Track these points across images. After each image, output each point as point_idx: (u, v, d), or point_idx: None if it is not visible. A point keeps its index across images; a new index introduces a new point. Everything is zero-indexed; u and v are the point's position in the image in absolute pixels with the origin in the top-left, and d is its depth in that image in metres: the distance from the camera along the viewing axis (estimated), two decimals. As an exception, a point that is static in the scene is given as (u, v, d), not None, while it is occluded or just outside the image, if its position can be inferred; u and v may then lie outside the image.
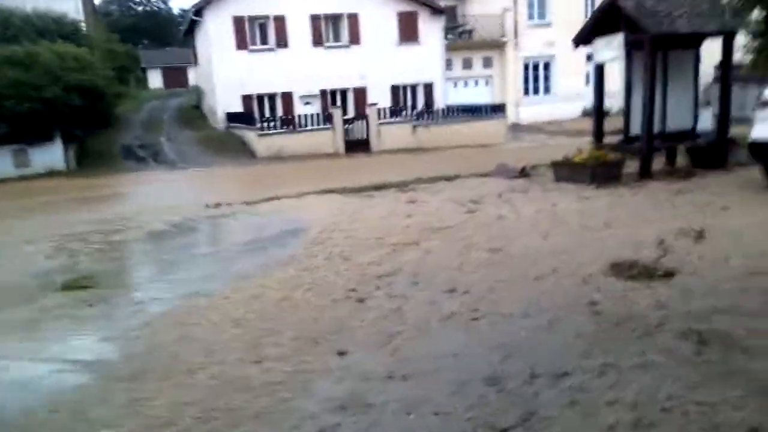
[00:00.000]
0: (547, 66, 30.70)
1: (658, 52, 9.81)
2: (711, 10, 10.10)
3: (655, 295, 4.43)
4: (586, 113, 26.64)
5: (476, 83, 30.97)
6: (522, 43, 29.57)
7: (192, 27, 28.29)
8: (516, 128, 27.81)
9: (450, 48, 29.00)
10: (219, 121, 24.75)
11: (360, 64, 25.70)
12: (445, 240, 6.52)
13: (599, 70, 10.74)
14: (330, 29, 26.24)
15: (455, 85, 30.08)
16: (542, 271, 5.17)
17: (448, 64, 29.32)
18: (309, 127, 21.99)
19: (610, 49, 9.94)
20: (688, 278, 4.76)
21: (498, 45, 30.18)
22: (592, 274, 5.01)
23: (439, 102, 26.69)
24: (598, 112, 11.02)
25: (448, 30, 30.01)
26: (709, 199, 7.84)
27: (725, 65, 10.59)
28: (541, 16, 29.61)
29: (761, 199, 7.63)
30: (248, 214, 9.42)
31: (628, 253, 5.52)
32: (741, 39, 13.96)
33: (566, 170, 10.04)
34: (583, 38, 10.69)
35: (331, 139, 21.79)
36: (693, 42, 10.37)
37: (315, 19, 25.68)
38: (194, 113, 29.20)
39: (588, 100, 23.79)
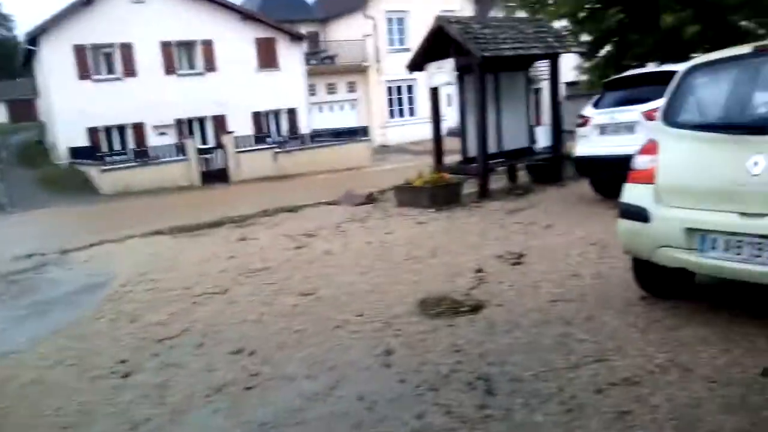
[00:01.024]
0: (410, 89, 31.27)
1: (487, 74, 9.88)
2: (536, 34, 10.39)
3: (454, 336, 4.08)
4: (450, 132, 27.38)
5: (341, 107, 30.94)
6: (384, 67, 29.96)
7: (29, 57, 26.01)
8: (383, 150, 27.98)
9: (313, 73, 28.75)
10: (61, 156, 22.76)
11: (217, 92, 24.73)
12: (257, 285, 5.91)
13: (434, 94, 10.69)
14: (183, 56, 25.10)
15: (320, 109, 29.85)
16: (346, 316, 4.70)
17: (312, 89, 29.04)
18: (164, 159, 20.68)
19: (443, 73, 9.90)
20: (494, 311, 4.48)
21: (361, 69, 30.37)
22: (399, 314, 4.60)
23: (304, 127, 26.26)
24: (435, 135, 10.94)
25: (310, 55, 29.80)
26: (538, 216, 7.85)
27: (553, 84, 10.92)
28: (401, 42, 30.18)
29: (587, 213, 7.72)
30: (57, 265, 8.28)
31: (443, 285, 5.20)
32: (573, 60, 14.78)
33: (407, 194, 9.83)
34: (417, 64, 10.61)
35: (185, 170, 20.61)
36: (521, 64, 10.59)
37: (166, 46, 24.46)
38: (37, 149, 26.77)
39: (450, 119, 24.42)
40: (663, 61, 10.52)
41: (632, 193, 4.03)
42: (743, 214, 3.39)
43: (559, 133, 10.91)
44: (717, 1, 10.85)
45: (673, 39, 11.11)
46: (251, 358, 4.08)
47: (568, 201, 8.77)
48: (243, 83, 25.24)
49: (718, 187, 3.53)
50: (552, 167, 10.64)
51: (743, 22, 11.61)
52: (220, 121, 25.15)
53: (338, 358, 3.93)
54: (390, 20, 30.49)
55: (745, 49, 3.77)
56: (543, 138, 12.46)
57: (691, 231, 3.61)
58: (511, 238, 6.76)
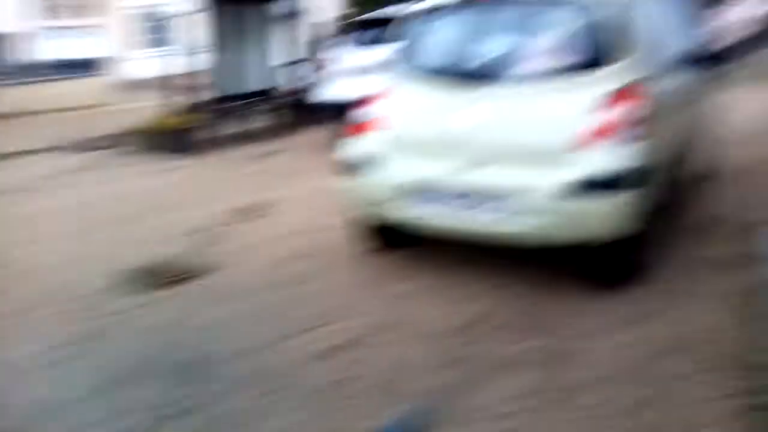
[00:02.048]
0: (164, 18, 28.39)
1: (236, 5, 9.05)
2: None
3: (167, 310, 3.59)
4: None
5: (82, 35, 27.06)
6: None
7: None
8: (131, 85, 25.23)
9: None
10: None
11: None
12: None
13: (174, 23, 9.58)
14: None
15: (61, 35, 25.73)
16: (31, 297, 3.88)
17: (55, 12, 24.80)
18: None
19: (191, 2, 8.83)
20: (220, 276, 4.06)
21: (100, -10, 26.67)
22: (107, 287, 3.94)
23: (25, 56, 22.44)
24: (181, 71, 9.89)
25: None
26: (284, 163, 7.57)
27: (303, 20, 10.49)
28: (146, -39, 26.96)
29: (327, 158, 7.57)
30: None
31: (170, 247, 4.60)
32: None
33: (146, 139, 8.81)
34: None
35: None
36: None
37: None
38: None
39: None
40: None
41: (359, 145, 3.84)
42: (461, 165, 3.36)
43: (308, 73, 10.58)
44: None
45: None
46: None
47: (314, 146, 8.56)
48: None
49: (443, 137, 3.47)
50: (301, 109, 10.34)
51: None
52: None
53: (12, 353, 3.19)
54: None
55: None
56: (298, 77, 12.07)
57: (413, 184, 3.51)
58: (252, 188, 6.34)
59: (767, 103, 10.02)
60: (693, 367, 2.70)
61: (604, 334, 3.03)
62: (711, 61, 4.41)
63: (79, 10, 26.43)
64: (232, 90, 9.24)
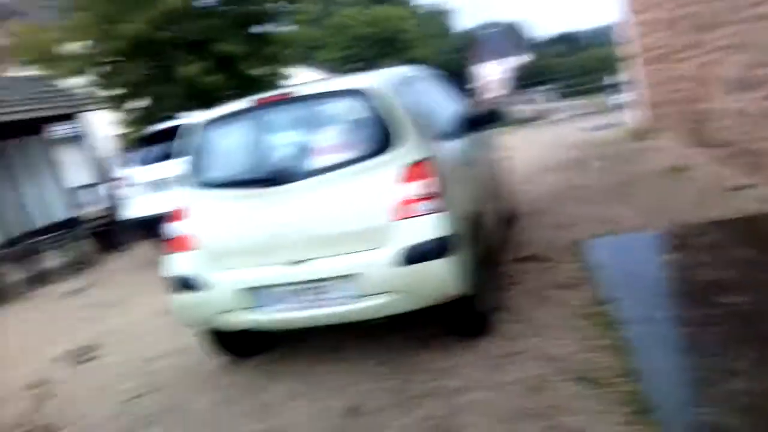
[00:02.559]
0: None
1: None
2: (49, 93, 9.27)
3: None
4: None
5: None
6: None
7: None
8: None
9: None
10: None
11: None
12: None
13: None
14: None
15: None
16: None
17: None
18: None
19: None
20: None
21: None
22: None
23: None
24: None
25: None
26: (104, 293, 6.97)
27: (85, 144, 9.96)
28: None
29: (156, 278, 7.06)
30: None
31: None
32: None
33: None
34: None
35: None
36: (39, 127, 9.31)
37: None
38: None
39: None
40: (201, 109, 10.61)
41: (177, 263, 3.72)
42: (287, 263, 3.42)
43: (107, 193, 10.00)
44: (225, 53, 11.48)
45: (198, 88, 11.37)
46: None
47: (134, 267, 8.04)
48: None
49: (259, 241, 3.49)
50: (108, 233, 9.67)
51: (255, 71, 12.54)
52: None
53: None
54: None
55: (248, 102, 3.80)
56: (95, 200, 11.30)
57: (246, 290, 3.50)
58: (76, 328, 5.73)
59: (530, 144, 11.61)
60: (578, 387, 2.91)
61: (487, 379, 3.18)
62: (481, 120, 4.97)
63: None
64: (22, 228, 8.36)
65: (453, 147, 4.15)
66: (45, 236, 8.99)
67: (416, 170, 3.36)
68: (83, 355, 4.92)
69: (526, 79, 40.78)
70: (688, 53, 7.01)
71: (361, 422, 3.07)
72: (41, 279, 8.36)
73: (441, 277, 3.31)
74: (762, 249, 4.04)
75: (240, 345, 4.05)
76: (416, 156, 3.40)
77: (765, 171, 5.30)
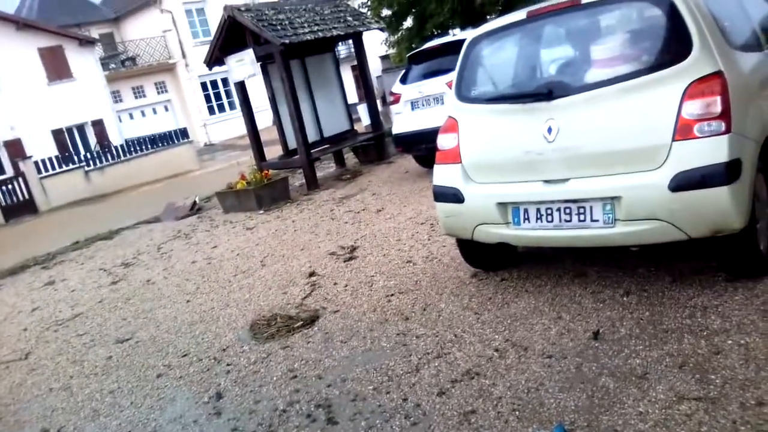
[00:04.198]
0: (226, 82, 29.89)
1: (292, 61, 9.49)
2: (334, 15, 10.15)
3: (289, 359, 3.72)
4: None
5: (155, 111, 28.87)
6: (193, 62, 28.23)
7: None
8: (210, 149, 26.63)
9: (115, 78, 26.44)
10: None
11: (4, 114, 21.81)
12: (65, 340, 5.11)
13: (241, 87, 10.09)
14: (-49, 79, 21.75)
15: (131, 116, 27.61)
16: (169, 360, 4.15)
17: (117, 96, 26.72)
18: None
19: (245, 66, 9.33)
20: (330, 320, 4.18)
21: (168, 68, 28.48)
22: (229, 345, 4.15)
23: (115, 138, 24.10)
24: (251, 130, 10.36)
25: (109, 59, 27.34)
26: (367, 201, 7.71)
27: (360, 63, 10.80)
28: (206, 33, 28.56)
29: (415, 190, 7.68)
30: None
31: (276, 299, 4.82)
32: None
33: (232, 199, 9.23)
34: (215, 58, 9.92)
35: (-22, 210, 18.00)
36: (325, 47, 10.33)
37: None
38: None
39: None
40: (463, 28, 10.81)
41: (442, 174, 3.89)
42: (547, 181, 3.38)
43: (376, 111, 10.85)
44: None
45: (467, 5, 11.46)
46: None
47: (395, 180, 8.72)
48: (34, 100, 22.51)
49: (520, 158, 3.48)
50: (376, 146, 10.58)
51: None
52: (15, 147, 22.26)
53: (161, 417, 3.40)
54: (189, 12, 28.76)
55: (519, 15, 3.72)
56: (365, 117, 12.39)
57: (503, 205, 3.55)
58: (342, 230, 6.52)
59: None
60: None
61: (757, 324, 2.87)
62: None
63: (149, 89, 28.26)
64: (306, 138, 9.55)
65: (752, 60, 3.57)
66: (324, 146, 10.19)
67: (704, 86, 2.99)
68: (348, 253, 5.58)
69: None
70: None
71: (605, 348, 3.00)
72: (318, 184, 9.56)
73: (717, 208, 2.96)
74: None
75: (489, 258, 4.19)
76: (707, 69, 3.02)
77: None
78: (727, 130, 2.96)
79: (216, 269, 6.19)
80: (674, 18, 3.14)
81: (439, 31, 12.44)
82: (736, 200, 2.96)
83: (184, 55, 28.44)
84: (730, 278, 3.30)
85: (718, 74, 3.02)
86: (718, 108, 2.97)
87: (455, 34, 8.52)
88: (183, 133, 22.39)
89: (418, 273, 4.66)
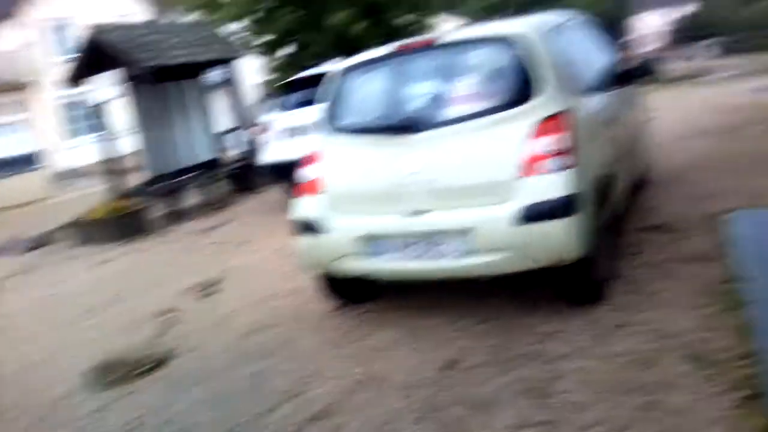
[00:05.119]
0: (90, 106, 28.05)
1: (159, 85, 9.09)
2: (208, 39, 9.89)
3: (134, 405, 3.43)
4: (142, 148, 25.24)
5: (5, 132, 26.38)
6: (54, 81, 26.15)
7: None
8: (68, 174, 24.71)
9: (-43, 96, 23.92)
10: None
11: None
12: None
13: (103, 111, 9.49)
14: None
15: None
16: (3, 404, 3.69)
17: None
18: None
19: (107, 87, 8.81)
20: (184, 360, 3.92)
21: (22, 86, 26.24)
22: (66, 394, 3.75)
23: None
24: (113, 157, 9.75)
25: (-49, 75, 24.74)
26: (233, 232, 7.47)
27: (233, 89, 10.58)
28: (69, 51, 26.59)
29: (283, 221, 7.46)
30: None
31: (126, 339, 4.45)
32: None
33: (87, 230, 8.55)
34: (76, 78, 9.28)
35: None
36: (195, 71, 10.02)
37: None
38: None
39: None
40: (343, 58, 10.87)
41: (303, 206, 3.85)
42: (408, 213, 3.43)
43: (248, 139, 10.63)
44: (375, 1, 11.58)
45: (344, 37, 11.60)
46: None
47: (264, 210, 8.52)
48: None
49: (382, 190, 3.53)
50: (246, 176, 10.32)
51: (399, 20, 12.58)
52: None
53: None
54: (53, 28, 26.84)
55: (388, 48, 3.81)
56: (237, 144, 12.08)
57: (364, 237, 3.56)
58: (205, 263, 6.22)
59: (682, 105, 10.59)
60: (690, 366, 2.72)
61: (593, 348, 3.05)
62: (628, 75, 4.65)
63: (3, 108, 25.92)
64: (171, 167, 9.14)
65: (594, 102, 3.92)
66: (188, 175, 9.78)
67: (550, 124, 3.22)
68: (208, 288, 5.32)
69: (687, 32, 37.11)
70: None
71: (458, 377, 3.06)
72: (180, 215, 9.12)
73: (560, 239, 3.16)
74: None
75: (350, 291, 4.16)
76: (552, 109, 3.26)
77: None
78: (570, 166, 3.17)
79: (60, 308, 5.66)
80: (525, 61, 3.37)
81: (319, 60, 12.47)
82: (576, 231, 3.17)
83: (43, 74, 26.39)
84: (572, 305, 3.50)
85: (562, 114, 3.25)
86: (562, 145, 3.18)
87: (323, 65, 8.57)
88: (36, 157, 20.56)
89: (281, 307, 4.53)
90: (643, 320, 3.22)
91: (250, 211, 8.68)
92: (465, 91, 3.51)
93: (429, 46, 3.74)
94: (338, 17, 11.02)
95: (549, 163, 3.17)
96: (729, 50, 26.62)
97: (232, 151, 11.67)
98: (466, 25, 12.78)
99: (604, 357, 2.95)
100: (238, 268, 5.77)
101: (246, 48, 11.88)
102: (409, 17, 12.49)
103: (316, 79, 7.83)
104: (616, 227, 4.04)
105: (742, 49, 25.28)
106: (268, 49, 13.16)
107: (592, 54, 4.57)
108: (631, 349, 2.97)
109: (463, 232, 3.29)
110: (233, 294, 5.07)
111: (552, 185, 3.16)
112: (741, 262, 3.54)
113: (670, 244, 4.18)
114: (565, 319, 3.38)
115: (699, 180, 5.61)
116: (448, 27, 12.44)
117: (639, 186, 5.27)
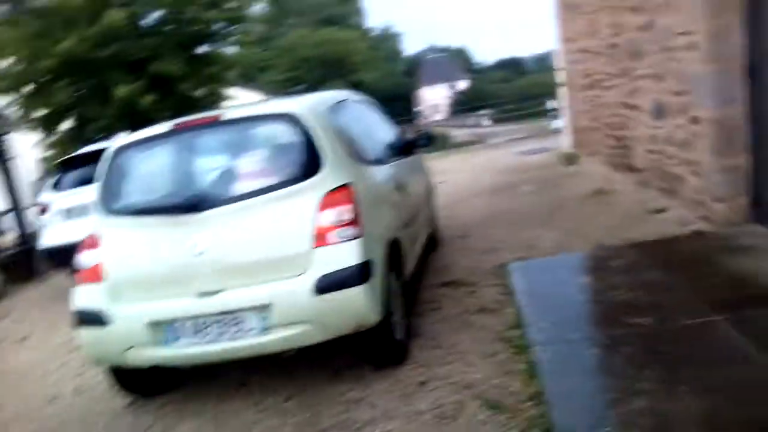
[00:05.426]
0: None
1: None
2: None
3: None
4: None
5: None
6: None
7: None
8: None
9: None
10: None
11: None
12: None
13: None
14: None
15: None
16: None
17: None
18: None
19: None
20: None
21: None
22: None
23: None
24: None
25: None
26: (9, 328, 6.49)
27: (5, 167, 9.47)
28: None
29: (68, 310, 6.71)
30: None
31: None
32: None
33: None
34: None
35: None
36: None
37: None
38: None
39: None
40: (131, 132, 10.25)
41: (83, 296, 3.51)
42: (199, 295, 3.26)
43: (25, 220, 9.49)
44: (164, 73, 11.24)
45: (133, 109, 11.04)
46: None
47: (47, 300, 7.55)
48: None
49: (169, 272, 3.33)
50: (25, 262, 9.15)
51: (194, 92, 12.34)
52: None
53: None
54: None
55: (166, 126, 3.67)
56: (12, 227, 10.70)
57: (154, 324, 3.30)
58: None
59: (465, 167, 11.72)
60: (490, 413, 2.86)
61: (400, 409, 3.09)
62: (411, 144, 5.03)
63: None
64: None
65: (378, 172, 4.10)
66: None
67: (335, 197, 3.28)
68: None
69: (465, 104, 41.71)
70: (614, 81, 7.21)
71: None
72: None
73: (356, 306, 3.20)
74: (673, 270, 4.12)
75: (146, 383, 3.79)
76: (336, 182, 3.33)
77: (681, 194, 5.45)
78: (358, 235, 3.26)
79: None
80: (307, 136, 3.42)
81: (107, 134, 11.64)
82: (371, 297, 3.24)
83: None
84: (376, 368, 3.54)
85: (347, 186, 3.36)
86: (348, 216, 3.27)
87: (107, 140, 8.03)
88: None
89: (66, 410, 3.99)
90: (445, 374, 3.35)
91: (31, 302, 7.65)
92: (249, 167, 3.49)
93: (210, 124, 3.66)
94: (123, 90, 10.49)
95: (337, 233, 3.22)
96: (502, 119, 30.35)
97: (7, 235, 10.34)
98: (254, 101, 12.90)
99: (410, 416, 3.01)
100: (18, 369, 5.01)
101: (22, 122, 10.77)
102: (204, 89, 12.32)
103: (97, 156, 7.26)
104: (413, 286, 4.22)
105: (509, 118, 29.02)
106: (45, 124, 12.06)
107: (373, 128, 4.85)
108: (436, 404, 3.06)
109: (260, 309, 3.20)
110: (9, 400, 4.38)
111: (342, 255, 3.21)
112: (525, 309, 3.88)
113: (465, 298, 4.45)
114: (370, 384, 3.41)
115: (483, 235, 6.13)
116: (245, 99, 12.50)
117: (431, 245, 5.61)
